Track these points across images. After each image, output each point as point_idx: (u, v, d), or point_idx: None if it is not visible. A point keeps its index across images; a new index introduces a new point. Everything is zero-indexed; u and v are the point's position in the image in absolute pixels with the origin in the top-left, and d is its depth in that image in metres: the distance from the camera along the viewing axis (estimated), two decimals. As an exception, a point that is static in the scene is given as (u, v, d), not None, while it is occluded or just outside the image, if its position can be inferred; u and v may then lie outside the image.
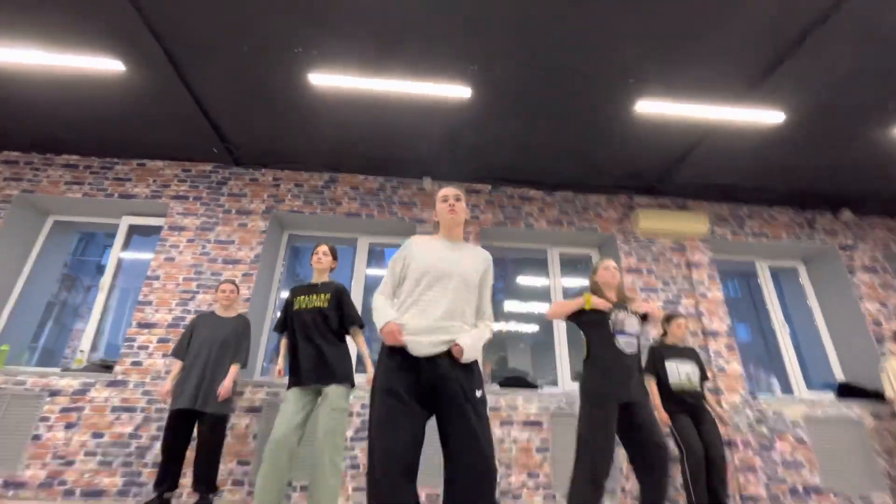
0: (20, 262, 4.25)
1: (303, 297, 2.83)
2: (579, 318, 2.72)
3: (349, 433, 3.58)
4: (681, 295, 4.39)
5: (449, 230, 1.98)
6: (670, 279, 4.46)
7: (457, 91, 3.23)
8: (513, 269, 6.67)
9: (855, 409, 4.05)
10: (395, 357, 1.73)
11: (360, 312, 2.97)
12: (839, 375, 4.58)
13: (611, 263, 2.81)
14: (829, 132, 3.68)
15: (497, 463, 3.34)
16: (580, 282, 5.12)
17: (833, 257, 4.82)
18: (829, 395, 4.37)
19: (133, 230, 4.58)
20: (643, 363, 2.73)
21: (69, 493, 3.23)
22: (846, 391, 4.33)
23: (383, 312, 1.81)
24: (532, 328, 8.05)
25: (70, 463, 3.30)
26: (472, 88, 3.26)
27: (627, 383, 2.49)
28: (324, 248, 2.99)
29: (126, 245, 4.52)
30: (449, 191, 1.98)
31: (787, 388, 4.59)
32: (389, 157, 4.35)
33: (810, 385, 4.57)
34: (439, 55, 3.08)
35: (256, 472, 3.33)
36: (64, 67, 3.14)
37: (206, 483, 3.00)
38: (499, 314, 5.15)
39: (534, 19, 2.82)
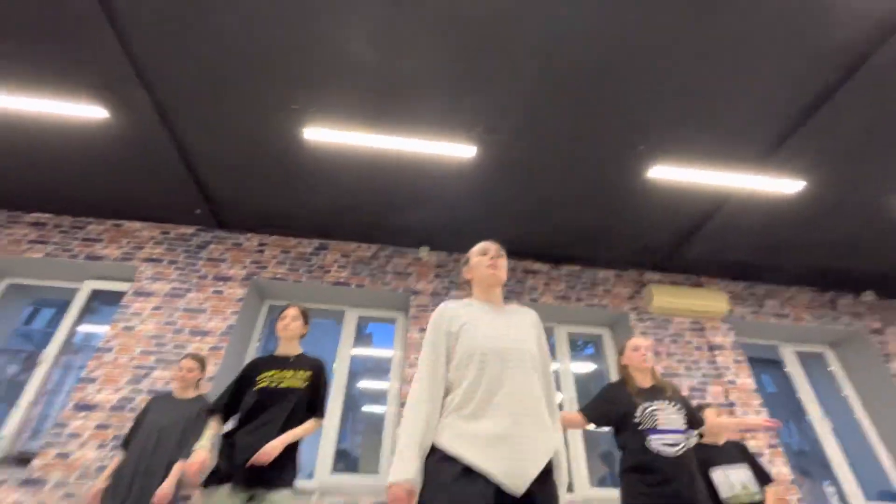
0: (-44, 330, 3.71)
1: (272, 372, 2.29)
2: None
3: (318, 555, 2.83)
4: (707, 381, 3.90)
5: (488, 290, 1.60)
6: (693, 364, 3.99)
7: (460, 150, 3.05)
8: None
9: (931, 528, 3.38)
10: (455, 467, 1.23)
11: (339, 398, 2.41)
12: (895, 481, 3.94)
13: (641, 342, 2.39)
14: (849, 204, 3.51)
15: None
16: (592, 367, 4.62)
17: (863, 342, 4.44)
18: (892, 508, 3.71)
19: (97, 298, 4.12)
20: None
21: None
22: (911, 503, 3.68)
23: (403, 457, 1.25)
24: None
25: None
26: (476, 146, 3.09)
27: (676, 494, 1.95)
28: (293, 310, 2.44)
29: (82, 316, 4.02)
30: (489, 244, 1.65)
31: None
32: (385, 223, 4.08)
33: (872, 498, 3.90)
34: (442, 111, 2.94)
35: None
36: (41, 114, 2.93)
37: None
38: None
39: (545, 82, 2.73)
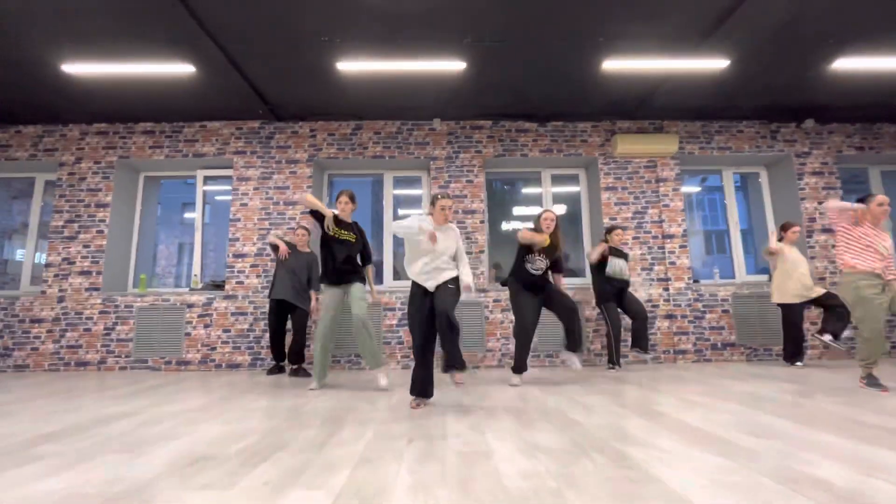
0: (131, 212, 5.57)
1: (338, 229, 3.67)
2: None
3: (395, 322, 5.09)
4: (648, 206, 5.41)
5: (442, 222, 3.04)
6: (641, 194, 5.44)
7: (453, 65, 3.99)
8: (510, 187, 7.65)
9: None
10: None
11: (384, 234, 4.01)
12: (777, 261, 5.71)
13: (551, 215, 3.76)
14: (777, 71, 4.29)
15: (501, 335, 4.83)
16: (568, 189, 6.10)
17: (788, 164, 5.62)
18: (763, 278, 5.58)
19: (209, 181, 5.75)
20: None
21: (218, 366, 4.95)
22: (777, 274, 5.49)
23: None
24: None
25: (213, 349, 4.97)
26: (466, 62, 4.00)
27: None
28: (345, 196, 3.73)
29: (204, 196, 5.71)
30: (444, 201, 3.00)
31: (732, 275, 5.79)
32: (404, 105, 5.17)
33: (752, 272, 5.75)
34: (438, 35, 3.80)
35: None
36: (150, 73, 4.05)
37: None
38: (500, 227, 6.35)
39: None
